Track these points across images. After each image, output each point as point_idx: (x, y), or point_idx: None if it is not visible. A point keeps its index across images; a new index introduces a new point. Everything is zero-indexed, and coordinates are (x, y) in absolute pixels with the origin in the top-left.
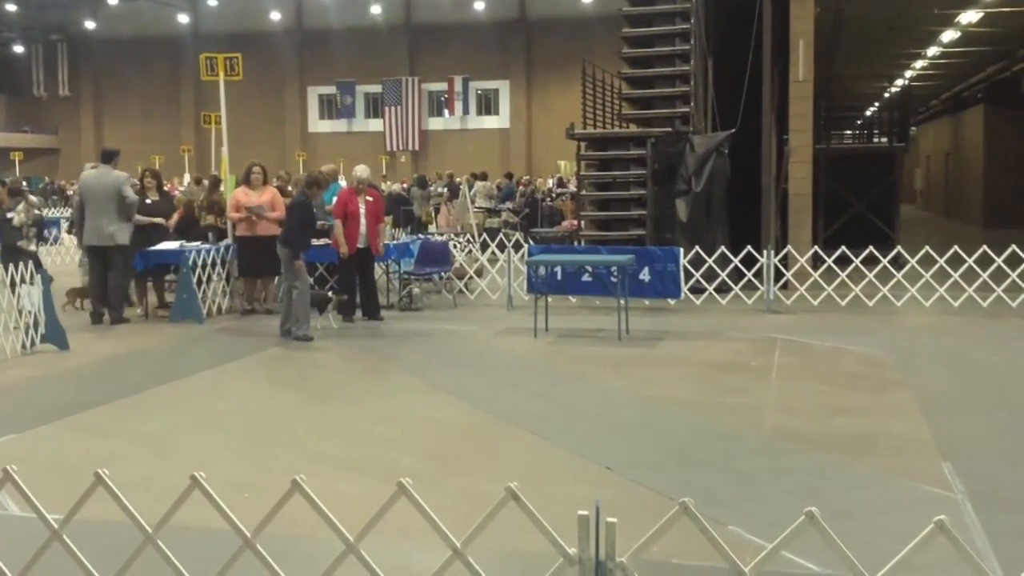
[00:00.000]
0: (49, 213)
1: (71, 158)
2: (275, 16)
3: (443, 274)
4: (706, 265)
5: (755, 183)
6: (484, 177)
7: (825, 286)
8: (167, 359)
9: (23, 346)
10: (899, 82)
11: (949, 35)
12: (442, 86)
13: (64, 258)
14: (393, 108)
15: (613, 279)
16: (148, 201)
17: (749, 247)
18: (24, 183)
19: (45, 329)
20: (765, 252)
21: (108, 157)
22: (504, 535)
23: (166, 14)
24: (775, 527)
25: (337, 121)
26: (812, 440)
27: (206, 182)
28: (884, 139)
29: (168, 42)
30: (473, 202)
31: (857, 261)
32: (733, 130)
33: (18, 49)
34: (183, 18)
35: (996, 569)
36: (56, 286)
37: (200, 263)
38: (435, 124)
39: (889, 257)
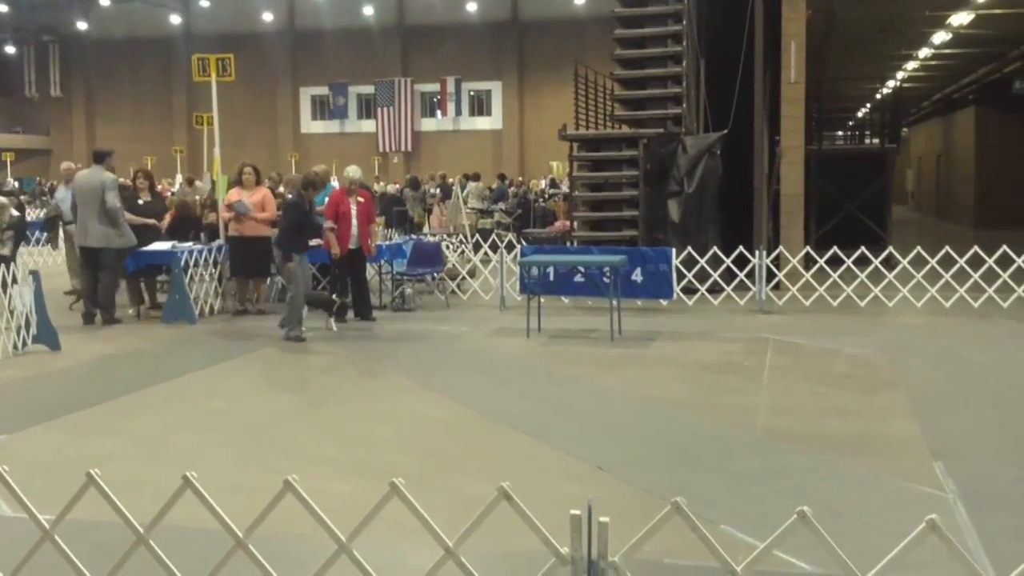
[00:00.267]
0: (38, 215)
1: (63, 159)
2: (267, 17)
3: (436, 275)
4: (698, 266)
5: (747, 184)
6: (477, 178)
7: (817, 286)
8: (159, 359)
9: (15, 346)
10: (891, 83)
11: (940, 37)
12: (435, 87)
13: (56, 259)
14: (386, 109)
15: (606, 280)
16: (140, 202)
17: (741, 248)
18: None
19: (37, 329)
20: (757, 253)
21: (99, 158)
22: (497, 535)
23: (158, 15)
24: (767, 527)
25: (330, 122)
26: (804, 440)
27: (199, 183)
28: (876, 140)
29: (160, 43)
30: (466, 203)
31: (849, 262)
32: (725, 131)
33: (9, 50)
34: (175, 19)
35: (987, 568)
36: (52, 286)
37: (192, 263)
38: (428, 125)
39: (881, 258)
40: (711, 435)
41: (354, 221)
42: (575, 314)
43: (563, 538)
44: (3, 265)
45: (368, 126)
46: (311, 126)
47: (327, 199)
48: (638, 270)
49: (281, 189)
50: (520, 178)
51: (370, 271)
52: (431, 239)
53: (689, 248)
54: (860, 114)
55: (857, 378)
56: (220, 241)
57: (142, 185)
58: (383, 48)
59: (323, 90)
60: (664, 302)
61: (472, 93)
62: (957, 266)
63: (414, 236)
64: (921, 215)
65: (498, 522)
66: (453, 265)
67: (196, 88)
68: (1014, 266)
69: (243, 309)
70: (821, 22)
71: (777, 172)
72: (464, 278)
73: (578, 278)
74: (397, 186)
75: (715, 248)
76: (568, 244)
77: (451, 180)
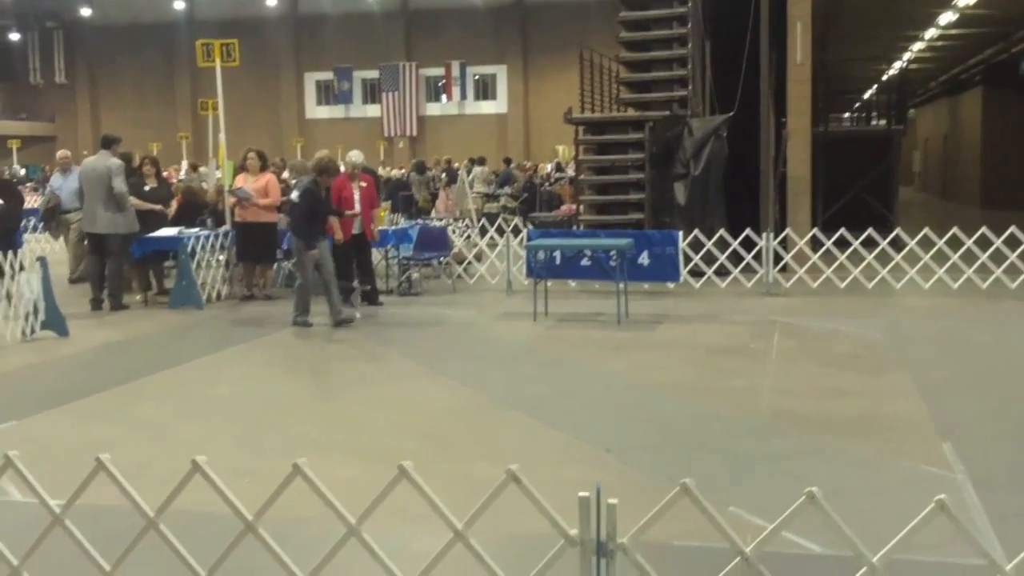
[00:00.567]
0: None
1: (68, 145)
2: (271, 2)
3: (442, 259)
4: (705, 248)
5: (753, 166)
6: (482, 162)
7: (824, 269)
8: (167, 345)
9: (23, 333)
10: (897, 64)
11: (947, 17)
12: (439, 71)
13: (55, 247)
14: (390, 94)
15: (612, 263)
16: (147, 188)
17: (748, 230)
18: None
19: (45, 316)
20: (764, 235)
21: (107, 143)
22: (505, 517)
23: (161, 1)
24: (775, 508)
25: (334, 107)
26: (811, 422)
27: (204, 168)
28: (882, 121)
29: (164, 29)
30: (471, 187)
31: (856, 244)
32: (731, 113)
33: (14, 37)
34: (178, 4)
35: (996, 548)
36: (58, 274)
37: (199, 249)
38: (432, 109)
39: (888, 240)
40: (718, 417)
41: (357, 206)
42: (582, 298)
43: (571, 520)
44: None
45: (373, 111)
46: (316, 111)
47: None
48: (644, 253)
49: (286, 175)
50: (528, 162)
51: (376, 256)
52: (437, 224)
53: (695, 231)
54: (866, 95)
55: (864, 360)
56: (227, 227)
57: (148, 172)
58: (387, 33)
59: (327, 75)
60: (671, 285)
61: (477, 77)
62: (964, 247)
63: (419, 221)
64: (928, 196)
65: (506, 505)
66: (459, 249)
67: (200, 74)
68: (1022, 247)
69: (250, 295)
70: (827, 3)
71: (783, 154)
72: (470, 262)
73: (584, 262)
74: (402, 171)
75: (721, 231)
76: (574, 228)
77: (457, 165)
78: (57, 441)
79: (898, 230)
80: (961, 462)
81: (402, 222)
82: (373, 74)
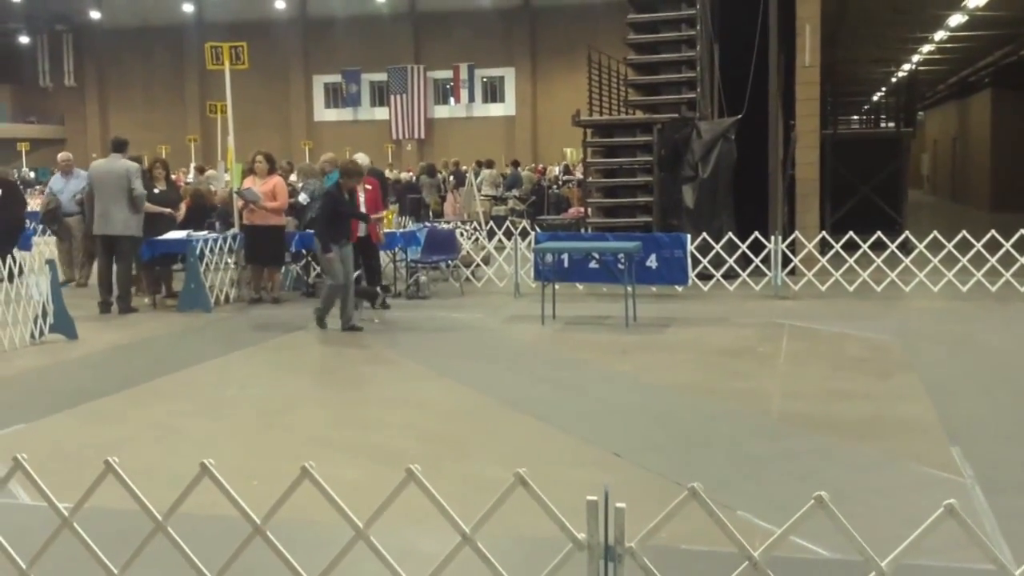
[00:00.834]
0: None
1: (77, 148)
2: (279, 4)
3: (450, 262)
4: (713, 251)
5: (762, 169)
6: (490, 165)
7: (833, 271)
8: (175, 348)
9: (32, 336)
10: (906, 67)
11: (956, 19)
12: (447, 74)
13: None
14: (398, 96)
15: (620, 266)
16: (156, 191)
17: (756, 233)
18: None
19: (53, 319)
20: (772, 238)
21: (119, 147)
22: (513, 520)
23: (170, 3)
24: (783, 511)
25: (343, 110)
26: (820, 424)
27: (213, 171)
28: (891, 124)
29: (172, 31)
30: (479, 190)
31: (865, 247)
32: (740, 116)
33: (23, 40)
34: (187, 7)
35: (1005, 552)
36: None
37: (208, 252)
38: (440, 112)
39: (897, 242)
40: (726, 420)
41: (362, 209)
42: (590, 300)
43: (579, 524)
44: None
45: (381, 113)
46: (324, 114)
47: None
48: (653, 256)
49: (293, 178)
50: (542, 165)
51: (384, 259)
52: (445, 226)
53: (704, 234)
54: (875, 98)
55: (873, 362)
56: (235, 230)
57: (159, 174)
58: (395, 35)
59: (336, 78)
60: (679, 288)
61: (485, 80)
62: (974, 250)
63: (427, 224)
64: (937, 199)
65: (514, 508)
66: (467, 252)
67: (209, 76)
68: None
69: (258, 297)
70: (836, 4)
71: (792, 156)
72: (478, 265)
73: (593, 264)
74: (410, 173)
75: (730, 233)
76: (582, 231)
77: (464, 167)
78: (66, 443)
79: (907, 233)
80: (970, 465)
81: (410, 225)
82: (381, 77)
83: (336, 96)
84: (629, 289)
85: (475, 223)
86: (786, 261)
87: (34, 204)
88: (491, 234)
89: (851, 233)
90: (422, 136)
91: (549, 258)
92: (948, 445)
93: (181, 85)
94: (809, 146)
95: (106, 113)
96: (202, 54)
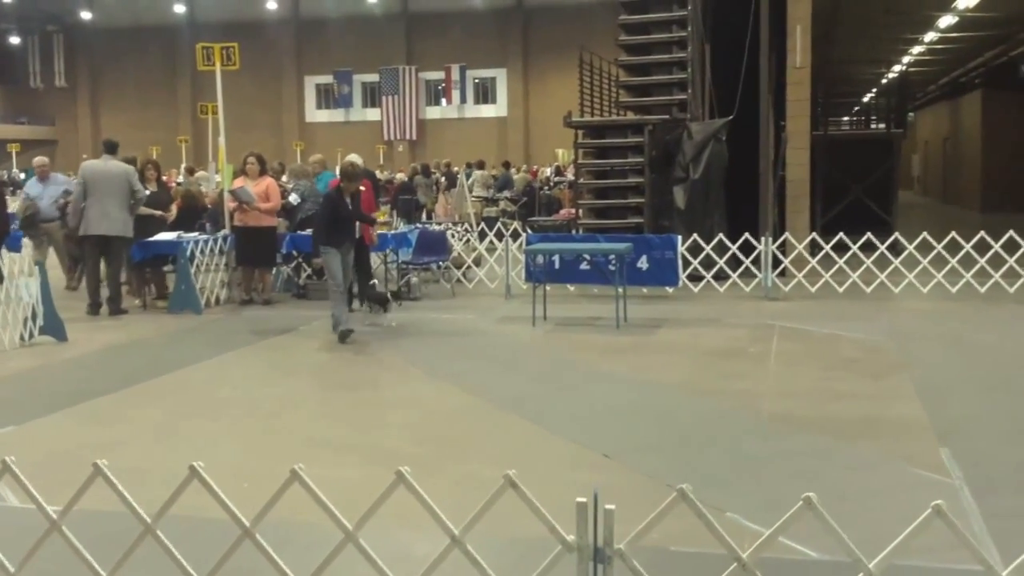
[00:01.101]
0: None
1: (68, 149)
2: (271, 5)
3: (441, 263)
4: (704, 252)
5: (753, 170)
6: (481, 166)
7: (823, 272)
8: (166, 349)
9: (21, 337)
10: (897, 68)
11: (947, 20)
12: (439, 75)
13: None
14: (390, 97)
15: (611, 267)
16: (147, 192)
17: (747, 234)
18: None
19: (43, 320)
20: (763, 239)
21: (113, 148)
22: (503, 522)
23: (162, 3)
24: (774, 512)
25: (334, 111)
26: (810, 425)
27: (203, 172)
28: (882, 125)
29: (164, 31)
30: (471, 191)
31: (855, 248)
32: (731, 117)
33: (14, 40)
34: (179, 7)
35: (993, 553)
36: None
37: (198, 253)
38: (432, 113)
39: (887, 243)
40: (717, 420)
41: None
42: (581, 302)
43: (569, 525)
44: None
45: (373, 114)
46: (316, 115)
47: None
48: (644, 257)
49: (284, 179)
50: (536, 166)
51: (375, 260)
52: (436, 227)
53: (695, 235)
54: (866, 99)
55: (863, 363)
56: (226, 231)
57: (150, 175)
58: (387, 36)
59: (328, 78)
60: (670, 289)
61: (477, 80)
62: (964, 251)
63: (418, 225)
64: (928, 200)
65: (505, 509)
66: (458, 253)
67: (201, 77)
68: (1021, 251)
69: (249, 299)
70: (827, 5)
71: (783, 157)
72: (469, 266)
73: (584, 266)
74: (402, 174)
75: (721, 235)
76: (573, 232)
77: (456, 168)
78: (58, 445)
79: (897, 234)
80: (959, 466)
81: (401, 226)
82: (373, 77)
83: (328, 97)
84: (620, 290)
85: (466, 224)
86: (776, 262)
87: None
88: (482, 235)
89: (841, 234)
90: (414, 137)
91: (540, 259)
92: (938, 445)
93: (173, 86)
94: (800, 147)
95: (97, 114)
96: (194, 55)
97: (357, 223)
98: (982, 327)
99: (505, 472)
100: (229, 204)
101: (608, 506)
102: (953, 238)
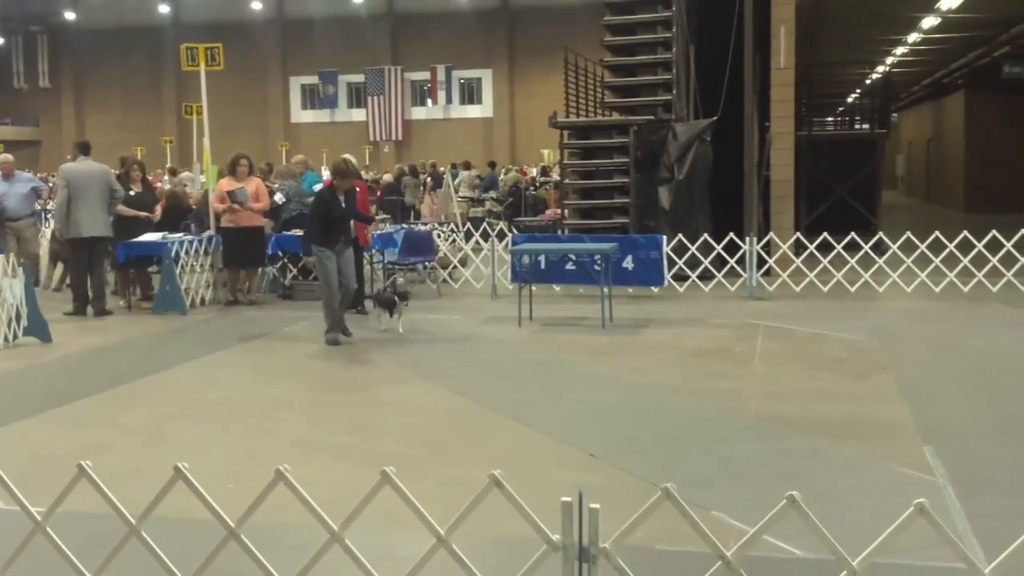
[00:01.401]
0: None
1: (52, 150)
2: (256, 5)
3: (427, 264)
4: (689, 252)
5: (738, 170)
6: (468, 166)
7: (807, 272)
8: (151, 350)
9: (5, 339)
10: (880, 68)
11: (930, 21)
12: (425, 75)
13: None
14: (376, 98)
15: (597, 267)
16: (131, 192)
17: (732, 234)
18: None
19: (27, 322)
20: (747, 239)
21: (88, 149)
22: (489, 522)
23: (147, 4)
24: (759, 511)
25: (320, 111)
26: (795, 424)
27: (188, 172)
28: (866, 125)
29: (149, 32)
30: (457, 191)
31: (839, 247)
32: (715, 117)
33: None
34: (164, 8)
35: (977, 551)
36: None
37: (183, 254)
38: (418, 113)
39: (871, 243)
40: (703, 420)
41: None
42: (566, 302)
43: (555, 525)
44: None
45: (358, 115)
46: (301, 115)
47: (316, 187)
48: (629, 257)
49: (272, 179)
50: (526, 167)
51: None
52: (422, 228)
53: (680, 235)
54: (850, 99)
55: (847, 363)
56: (211, 231)
57: (135, 176)
58: (373, 36)
59: (313, 79)
60: (655, 289)
61: (462, 81)
62: (947, 251)
63: (404, 225)
64: (911, 200)
65: (491, 509)
66: (444, 254)
67: (186, 77)
68: (1003, 250)
69: (234, 300)
70: (811, 7)
71: (767, 158)
72: (455, 267)
73: (569, 266)
74: (388, 175)
75: (706, 235)
76: (559, 232)
77: (442, 169)
78: (43, 447)
79: (880, 234)
80: (943, 465)
81: (387, 226)
82: (359, 78)
83: (313, 97)
84: (605, 290)
85: (452, 224)
86: (761, 262)
87: None
88: (468, 235)
89: (826, 234)
90: (399, 137)
91: (526, 259)
92: (921, 445)
93: (158, 87)
94: (784, 147)
95: (82, 114)
96: (179, 56)
97: (368, 223)
98: (966, 327)
99: (490, 472)
100: (218, 205)
101: (593, 505)
102: (937, 238)
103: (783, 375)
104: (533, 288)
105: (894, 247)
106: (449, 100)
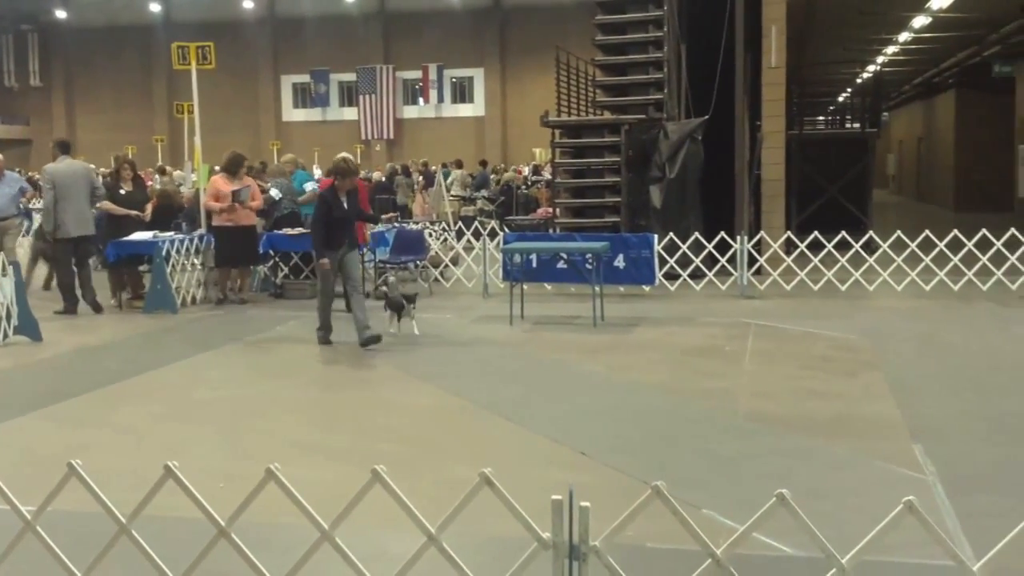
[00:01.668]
0: None
1: (43, 148)
2: (248, 4)
3: (419, 262)
4: (680, 251)
5: (729, 169)
6: (460, 165)
7: (798, 271)
8: (142, 349)
9: None
10: (871, 68)
11: (920, 20)
12: (417, 74)
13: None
14: (368, 96)
15: (588, 266)
16: (122, 191)
17: (723, 233)
18: None
19: (18, 320)
20: (738, 238)
21: (68, 148)
22: (481, 520)
23: (138, 3)
24: (749, 509)
25: (311, 110)
26: (785, 423)
27: (179, 172)
28: (857, 124)
29: (140, 31)
30: (449, 190)
31: (830, 246)
32: (706, 116)
33: None
34: (155, 6)
35: (966, 548)
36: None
37: (174, 253)
38: (410, 112)
39: (861, 242)
40: (694, 419)
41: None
42: (558, 301)
43: (545, 523)
44: None
45: (350, 114)
46: (293, 114)
47: (310, 185)
48: (620, 256)
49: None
50: (522, 166)
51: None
52: (414, 227)
53: (671, 234)
54: (841, 99)
55: (838, 361)
56: (202, 230)
57: (126, 175)
58: (364, 35)
59: (304, 78)
60: (646, 288)
61: (454, 80)
62: (937, 250)
63: (395, 224)
64: (902, 199)
65: (482, 507)
66: (436, 253)
67: (177, 76)
68: (993, 249)
69: (225, 298)
70: (802, 6)
71: (758, 157)
72: (447, 265)
73: (561, 265)
74: (379, 173)
75: (697, 234)
76: (550, 231)
77: (434, 168)
78: (34, 446)
79: (871, 232)
80: (932, 463)
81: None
82: (350, 77)
83: (305, 96)
84: (597, 289)
85: (444, 223)
86: (752, 261)
87: None
88: (460, 234)
89: (816, 233)
90: (391, 136)
91: (517, 258)
92: (911, 443)
93: (149, 85)
94: (775, 146)
95: (72, 113)
96: (170, 54)
97: (373, 223)
98: (955, 325)
99: (480, 470)
100: (215, 204)
101: (583, 503)
102: (927, 236)
103: (774, 374)
104: (524, 287)
105: (884, 246)
106: (441, 99)
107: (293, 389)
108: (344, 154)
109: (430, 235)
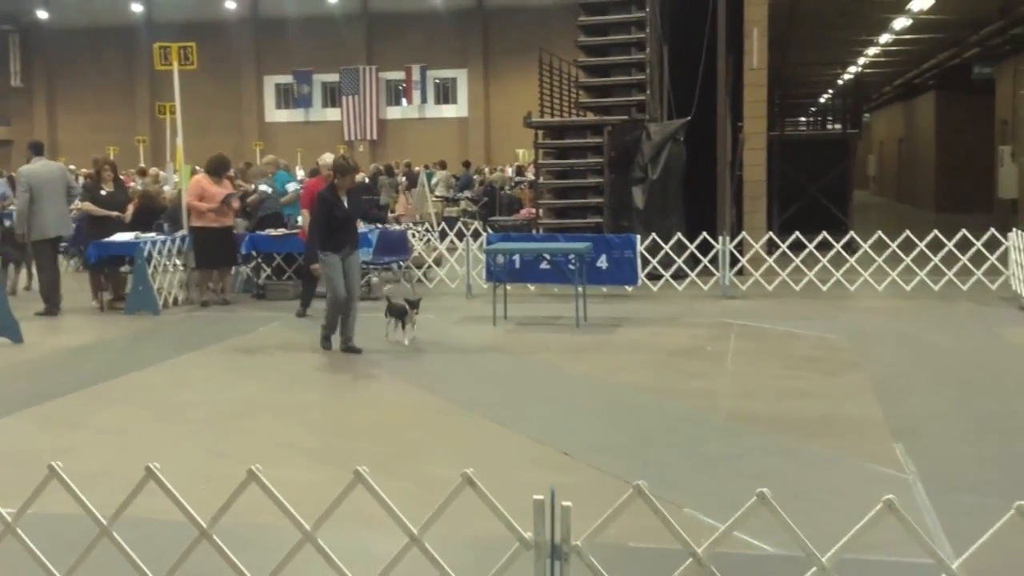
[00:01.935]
0: None
1: (24, 150)
2: (230, 5)
3: (402, 263)
4: (662, 252)
5: (711, 170)
6: (444, 166)
7: (780, 271)
8: (124, 351)
9: None
10: (852, 69)
11: (901, 22)
12: (400, 75)
13: None
14: (351, 97)
15: (571, 267)
16: (103, 192)
17: (705, 234)
18: None
19: None
20: (720, 238)
21: (42, 149)
22: (463, 521)
23: (120, 3)
24: (731, 508)
25: (294, 111)
26: (768, 422)
27: (162, 172)
28: (838, 126)
29: (122, 31)
30: (433, 191)
31: (811, 247)
32: (689, 118)
33: None
34: (137, 7)
35: (945, 546)
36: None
37: (155, 254)
38: (393, 113)
39: (842, 242)
40: (677, 419)
41: None
42: (541, 301)
43: (528, 523)
44: None
45: (333, 115)
46: (275, 115)
47: (292, 186)
48: (603, 257)
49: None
50: (492, 167)
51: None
52: (397, 227)
53: (653, 234)
54: (822, 100)
55: (820, 361)
56: (184, 231)
57: (107, 176)
58: (347, 36)
59: (287, 78)
60: (629, 288)
61: (437, 81)
62: (917, 250)
63: (378, 225)
64: (883, 199)
65: (465, 508)
66: (419, 253)
67: (160, 77)
68: (973, 249)
69: (206, 300)
70: (783, 8)
71: (740, 158)
72: (430, 266)
73: (544, 265)
74: (362, 175)
75: (679, 234)
76: (534, 232)
77: (417, 169)
78: (15, 447)
79: (852, 233)
80: (913, 462)
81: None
82: (333, 77)
83: (287, 97)
84: (580, 289)
85: (427, 224)
86: (734, 261)
87: None
88: (443, 235)
89: (798, 233)
90: (374, 137)
91: (501, 259)
92: (892, 442)
93: (131, 86)
94: (757, 147)
95: (54, 114)
96: (152, 55)
97: (380, 222)
98: (936, 325)
99: (463, 471)
100: (201, 204)
101: (565, 503)
102: (908, 237)
103: (756, 374)
104: (508, 287)
105: (865, 246)
106: (424, 100)
107: (275, 390)
108: (343, 153)
109: (413, 236)
